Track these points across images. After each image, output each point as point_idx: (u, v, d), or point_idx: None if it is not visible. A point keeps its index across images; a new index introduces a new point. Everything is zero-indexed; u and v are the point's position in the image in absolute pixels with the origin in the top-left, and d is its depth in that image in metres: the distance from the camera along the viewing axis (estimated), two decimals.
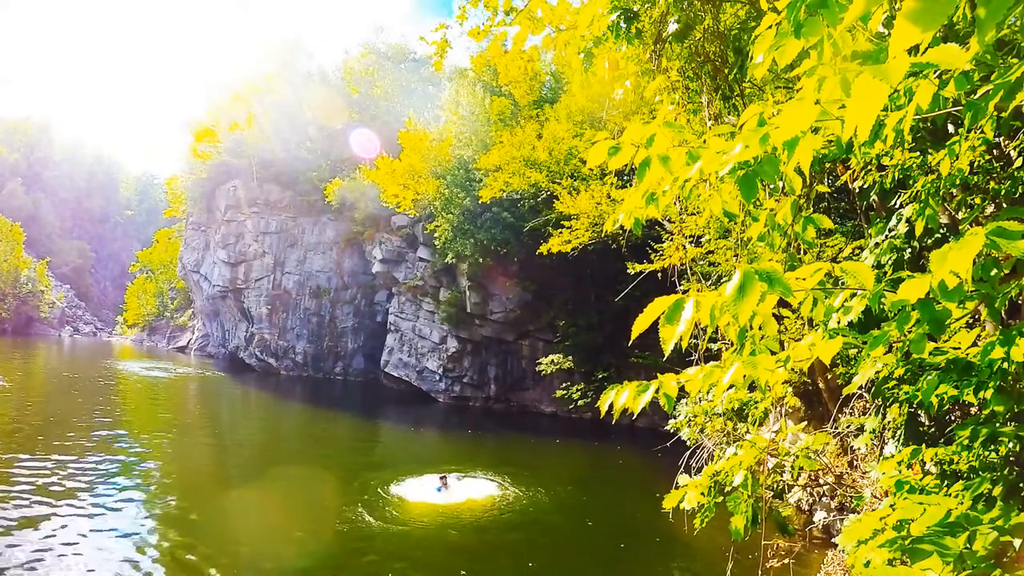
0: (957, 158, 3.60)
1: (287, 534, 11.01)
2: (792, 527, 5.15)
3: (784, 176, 2.00)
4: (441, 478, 13.62)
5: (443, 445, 22.80)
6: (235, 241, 47.21)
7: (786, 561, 9.12)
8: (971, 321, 3.38)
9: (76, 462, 14.59)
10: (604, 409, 2.18)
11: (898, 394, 4.52)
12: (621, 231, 13.83)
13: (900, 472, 4.16)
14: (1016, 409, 3.21)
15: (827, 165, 6.63)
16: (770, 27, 1.89)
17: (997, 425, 3.47)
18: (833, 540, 9.85)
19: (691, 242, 12.74)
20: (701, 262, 13.07)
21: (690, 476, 4.14)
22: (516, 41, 7.62)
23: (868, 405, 9.50)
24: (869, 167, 5.27)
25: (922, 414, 5.62)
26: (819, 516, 10.81)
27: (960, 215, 4.83)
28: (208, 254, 50.45)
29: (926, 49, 1.31)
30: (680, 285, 13.05)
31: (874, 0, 1.25)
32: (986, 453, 3.82)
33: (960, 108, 2.23)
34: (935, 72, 1.74)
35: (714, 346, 12.44)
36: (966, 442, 3.78)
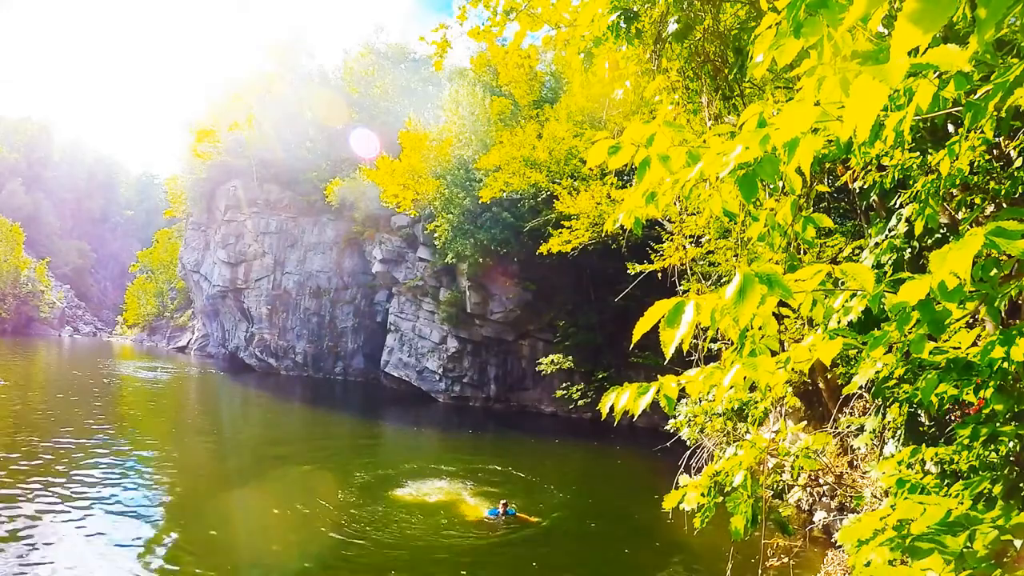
0: (957, 158, 3.60)
1: (287, 534, 11.01)
2: (792, 527, 5.15)
3: (784, 176, 2.00)
4: (503, 503, 12.49)
5: (443, 445, 22.80)
6: (235, 241, 47.20)
7: (786, 561, 9.12)
8: (971, 321, 3.38)
9: (75, 462, 14.60)
10: (605, 411, 2.18)
11: (898, 394, 4.52)
12: (621, 231, 13.84)
13: (900, 471, 4.16)
14: (1016, 409, 3.21)
15: (827, 165, 6.64)
16: (770, 27, 1.89)
17: (997, 425, 3.47)
18: (833, 540, 9.86)
19: (691, 242, 12.73)
20: (701, 262, 13.06)
21: (690, 476, 4.14)
22: (515, 38, 7.60)
23: (868, 405, 9.50)
24: (869, 167, 5.26)
25: (922, 414, 5.62)
26: (819, 516, 10.81)
27: (960, 215, 4.83)
28: (208, 254, 50.44)
29: (926, 50, 1.31)
30: (680, 285, 13.05)
31: (875, 1, 1.25)
32: (986, 453, 3.82)
33: (960, 108, 2.23)
34: (935, 72, 1.74)
35: (714, 346, 12.44)
36: (966, 442, 3.78)
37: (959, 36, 3.75)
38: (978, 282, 1.96)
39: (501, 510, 12.25)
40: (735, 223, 8.18)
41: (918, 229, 4.06)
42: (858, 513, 8.78)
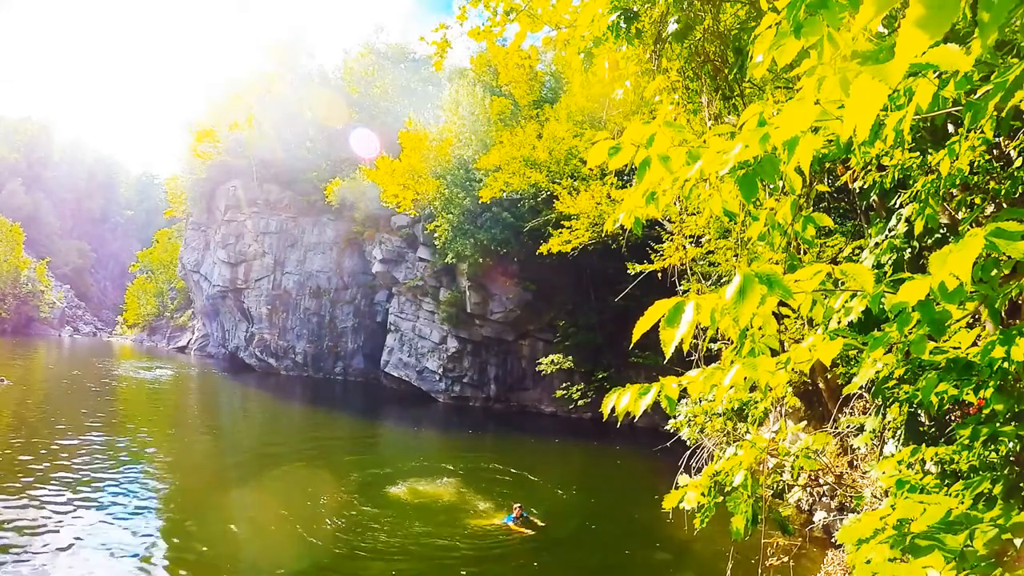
0: (957, 158, 3.60)
1: (286, 534, 11.01)
2: (792, 527, 5.15)
3: (784, 176, 2.00)
4: (518, 507, 12.26)
5: (444, 445, 22.80)
6: (235, 241, 47.19)
7: (786, 561, 9.12)
8: (971, 321, 3.38)
9: (75, 462, 14.59)
10: (607, 413, 2.17)
11: (898, 394, 4.52)
12: (621, 231, 13.84)
13: (900, 471, 4.16)
14: (1016, 409, 3.21)
15: (827, 165, 6.63)
16: (770, 27, 1.88)
17: (997, 425, 3.47)
18: (833, 540, 9.86)
19: (691, 242, 12.73)
20: (701, 262, 13.06)
21: (690, 476, 4.14)
22: (515, 39, 7.60)
23: (868, 405, 9.50)
24: (869, 167, 5.26)
25: (922, 414, 5.62)
26: (819, 516, 10.81)
27: (960, 215, 4.83)
28: (208, 254, 50.43)
29: (926, 50, 1.30)
30: (680, 285, 13.05)
31: (882, 6, 1.25)
32: (986, 453, 3.82)
33: (960, 108, 2.23)
34: (935, 72, 1.74)
35: (714, 346, 12.44)
36: (966, 442, 3.78)
37: (959, 36, 3.75)
38: (978, 283, 1.96)
39: (516, 514, 12.09)
40: (735, 223, 8.19)
41: (918, 229, 4.06)
42: (858, 513, 8.78)
